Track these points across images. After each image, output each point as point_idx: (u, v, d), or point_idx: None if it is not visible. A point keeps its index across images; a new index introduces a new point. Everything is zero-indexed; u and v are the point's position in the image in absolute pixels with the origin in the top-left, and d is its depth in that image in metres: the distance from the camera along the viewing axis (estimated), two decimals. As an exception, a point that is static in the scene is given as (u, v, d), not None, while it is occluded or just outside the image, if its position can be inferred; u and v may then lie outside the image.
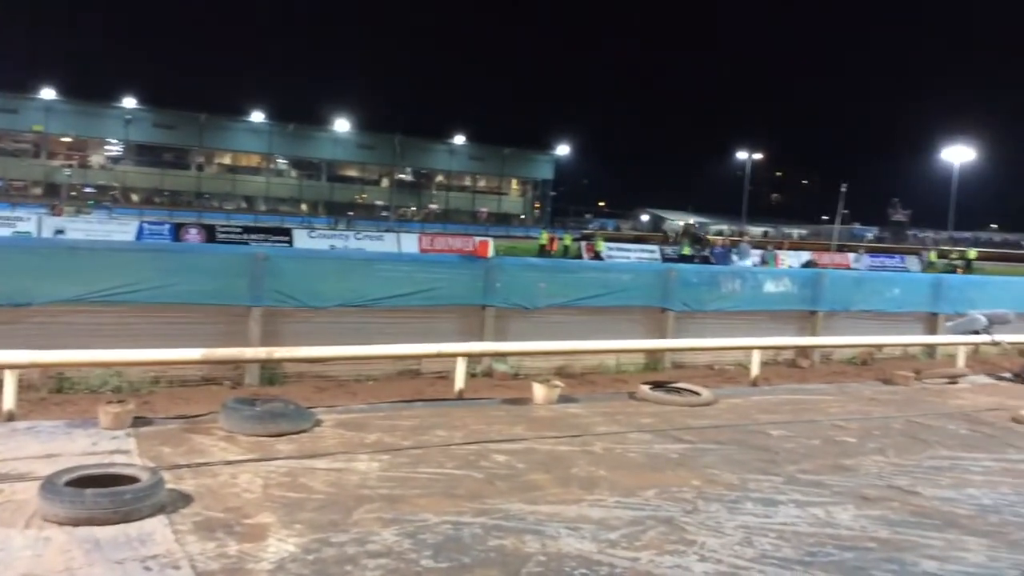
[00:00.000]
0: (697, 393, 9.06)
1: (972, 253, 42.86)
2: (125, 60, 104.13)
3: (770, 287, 13.07)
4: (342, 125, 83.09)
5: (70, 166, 75.42)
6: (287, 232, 35.43)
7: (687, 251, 36.47)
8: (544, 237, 40.26)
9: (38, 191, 73.33)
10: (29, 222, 31.12)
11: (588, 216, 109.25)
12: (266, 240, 32.91)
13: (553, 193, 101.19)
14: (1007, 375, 12.04)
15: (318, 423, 7.05)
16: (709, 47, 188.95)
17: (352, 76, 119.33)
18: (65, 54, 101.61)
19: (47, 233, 29.38)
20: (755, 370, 10.63)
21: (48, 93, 74.36)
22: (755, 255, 36.04)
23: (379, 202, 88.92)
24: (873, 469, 6.65)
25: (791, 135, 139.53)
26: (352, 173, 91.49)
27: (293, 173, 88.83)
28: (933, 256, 38.89)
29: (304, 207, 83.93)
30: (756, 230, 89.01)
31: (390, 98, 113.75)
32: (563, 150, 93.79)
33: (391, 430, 6.99)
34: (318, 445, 6.47)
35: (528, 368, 10.40)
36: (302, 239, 34.22)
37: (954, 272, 31.71)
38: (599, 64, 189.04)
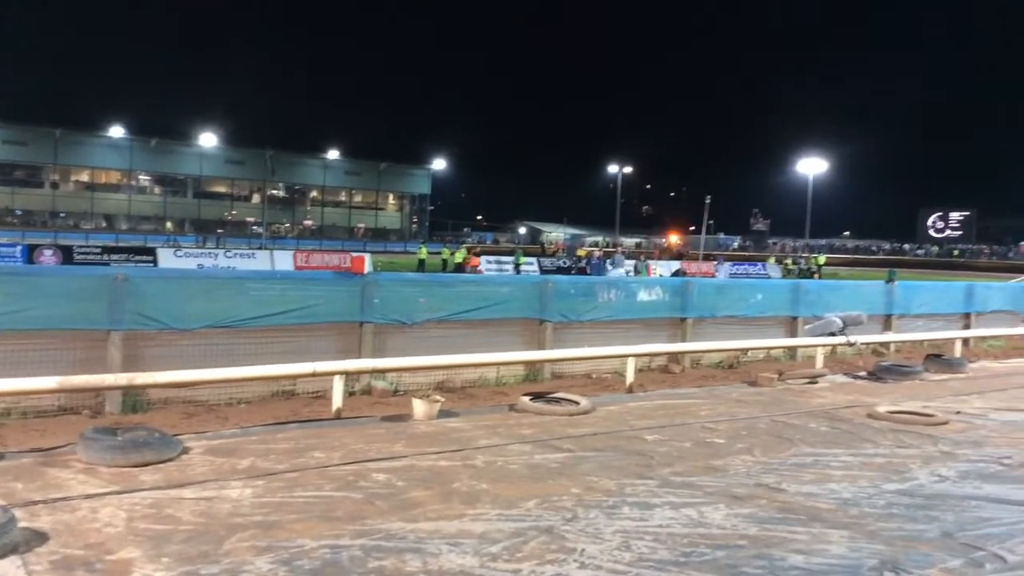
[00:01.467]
0: (576, 402, 9.21)
1: (821, 259, 45.55)
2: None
3: (643, 296, 13.45)
4: (209, 139, 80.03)
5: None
6: (151, 252, 33.87)
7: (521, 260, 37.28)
8: (423, 252, 40.10)
9: None
10: None
11: (467, 230, 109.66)
12: (128, 260, 31.34)
13: (431, 207, 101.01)
14: (862, 374, 12.83)
15: (186, 451, 6.73)
16: (582, 63, 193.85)
17: (219, 89, 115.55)
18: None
19: None
20: (630, 377, 10.91)
21: None
22: (628, 265, 37.08)
23: (251, 219, 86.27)
24: (742, 468, 6.93)
25: (660, 149, 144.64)
26: (221, 189, 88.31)
27: (157, 190, 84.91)
28: (790, 263, 41.01)
29: (169, 225, 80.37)
30: (629, 241, 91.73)
31: (260, 112, 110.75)
32: (439, 164, 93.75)
33: (265, 454, 6.76)
34: (186, 473, 6.17)
35: (408, 384, 10.29)
36: (167, 259, 32.76)
37: (812, 277, 33.56)
38: (475, 77, 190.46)
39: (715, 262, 43.03)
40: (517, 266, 37.09)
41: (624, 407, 9.51)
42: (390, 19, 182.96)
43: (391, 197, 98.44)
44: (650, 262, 39.69)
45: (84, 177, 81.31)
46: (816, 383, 11.85)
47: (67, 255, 31.26)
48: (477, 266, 36.72)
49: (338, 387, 8.61)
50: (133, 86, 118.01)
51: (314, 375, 8.80)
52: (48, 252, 31.41)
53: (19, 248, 32.09)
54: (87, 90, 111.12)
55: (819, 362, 13.13)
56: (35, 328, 8.45)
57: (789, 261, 40.13)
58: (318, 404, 9.13)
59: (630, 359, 11.04)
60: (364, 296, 10.46)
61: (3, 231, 60.57)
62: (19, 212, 75.03)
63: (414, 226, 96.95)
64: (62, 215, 76.59)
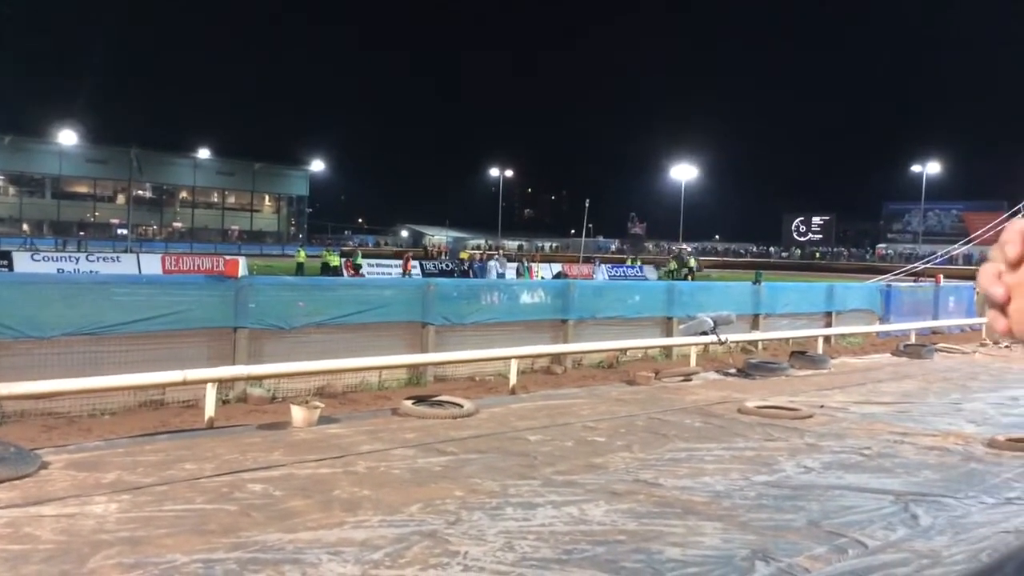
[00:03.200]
0: (459, 405, 9.19)
1: (692, 262, 47.32)
2: None
3: (525, 298, 13.59)
4: (68, 137, 75.51)
5: None
6: (6, 255, 31.66)
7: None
8: (301, 255, 39.14)
9: None
10: None
11: (347, 233, 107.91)
12: (-21, 264, 29.19)
13: (309, 210, 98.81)
14: (733, 371, 13.39)
15: (45, 466, 6.32)
16: (463, 64, 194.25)
17: (80, 84, 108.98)
18: None
19: None
20: (513, 379, 10.99)
21: None
22: (510, 267, 37.39)
23: (115, 220, 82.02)
24: (621, 465, 7.09)
25: (540, 154, 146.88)
26: (82, 189, 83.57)
27: (11, 190, 79.54)
28: (673, 264, 42.27)
29: (26, 227, 75.41)
30: (511, 243, 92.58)
31: (124, 109, 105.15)
32: (317, 166, 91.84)
33: (132, 467, 6.43)
34: (45, 490, 5.79)
35: (287, 390, 10.02)
36: (24, 262, 30.74)
37: (687, 279, 34.75)
38: (353, 77, 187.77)
39: (593, 264, 43.91)
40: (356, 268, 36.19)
41: (507, 408, 9.57)
42: (264, 14, 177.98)
43: (267, 199, 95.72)
44: (531, 264, 40.13)
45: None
46: (690, 380, 12.28)
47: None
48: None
49: (211, 395, 8.29)
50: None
51: (184, 383, 8.43)
52: None
53: None
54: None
55: (693, 360, 13.61)
56: None
57: (674, 263, 41.31)
58: (189, 414, 8.77)
59: (513, 361, 11.13)
60: (238, 301, 10.11)
61: None
62: None
63: (292, 229, 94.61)
64: (-99, 216, 70.63)
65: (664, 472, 6.90)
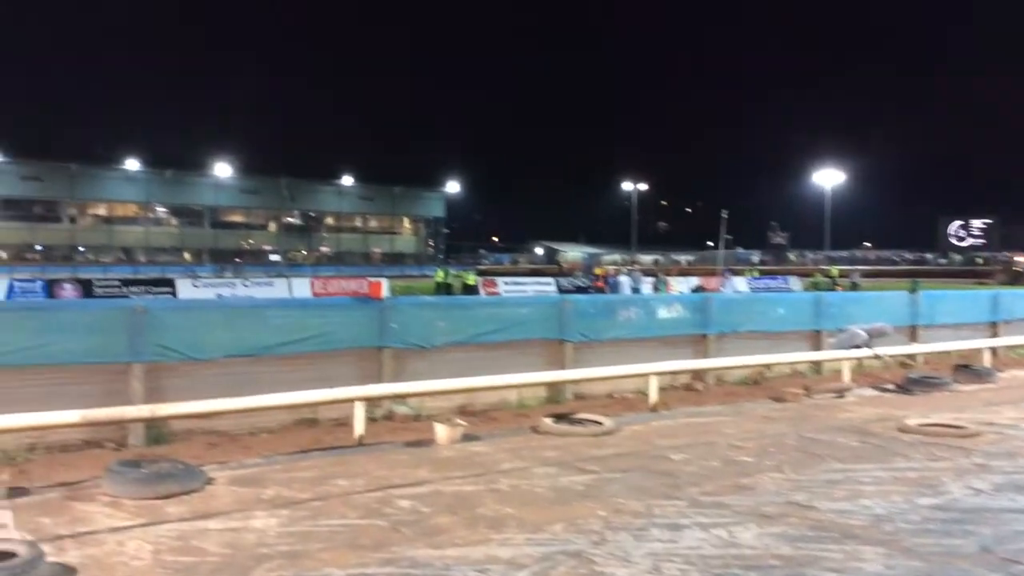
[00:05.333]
0: (599, 423, 9.12)
1: (834, 271, 45.14)
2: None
3: (663, 313, 13.35)
4: (223, 169, 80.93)
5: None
6: (170, 283, 34.09)
7: None
8: (440, 275, 40.10)
9: None
10: None
11: (483, 252, 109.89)
12: (148, 292, 31.54)
13: (446, 230, 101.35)
14: (890, 386, 12.66)
15: (210, 481, 6.71)
16: (593, 79, 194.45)
17: (232, 118, 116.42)
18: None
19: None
20: (653, 396, 10.80)
21: None
22: (647, 282, 36.92)
23: (267, 247, 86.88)
24: (771, 486, 6.81)
25: (675, 165, 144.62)
26: (237, 218, 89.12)
27: (173, 221, 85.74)
28: (820, 276, 40.58)
29: (187, 256, 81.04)
30: (646, 258, 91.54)
31: (273, 140, 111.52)
32: (453, 187, 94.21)
33: (289, 483, 6.72)
34: (211, 504, 6.14)
35: (429, 408, 10.23)
36: (186, 289, 32.98)
37: (835, 290, 33.20)
38: (484, 100, 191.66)
39: (722, 276, 42.54)
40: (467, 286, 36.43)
41: (648, 426, 9.41)
42: (393, 43, 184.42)
43: (406, 221, 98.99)
44: (668, 279, 39.46)
45: (101, 211, 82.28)
46: (844, 397, 11.69)
47: (87, 289, 31.51)
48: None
49: (360, 413, 8.58)
50: (146, 117, 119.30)
51: (336, 401, 8.78)
52: (68, 287, 31.69)
53: (39, 283, 32.40)
54: (101, 123, 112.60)
55: (845, 376, 12.96)
56: (57, 362, 8.49)
57: (821, 275, 39.43)
58: (340, 431, 9.09)
59: (652, 377, 10.94)
60: (383, 321, 10.44)
61: (24, 267, 61.34)
62: (39, 248, 75.91)
63: (430, 249, 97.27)
64: (81, 249, 77.40)
65: (818, 494, 6.58)
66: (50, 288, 31.19)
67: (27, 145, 74.53)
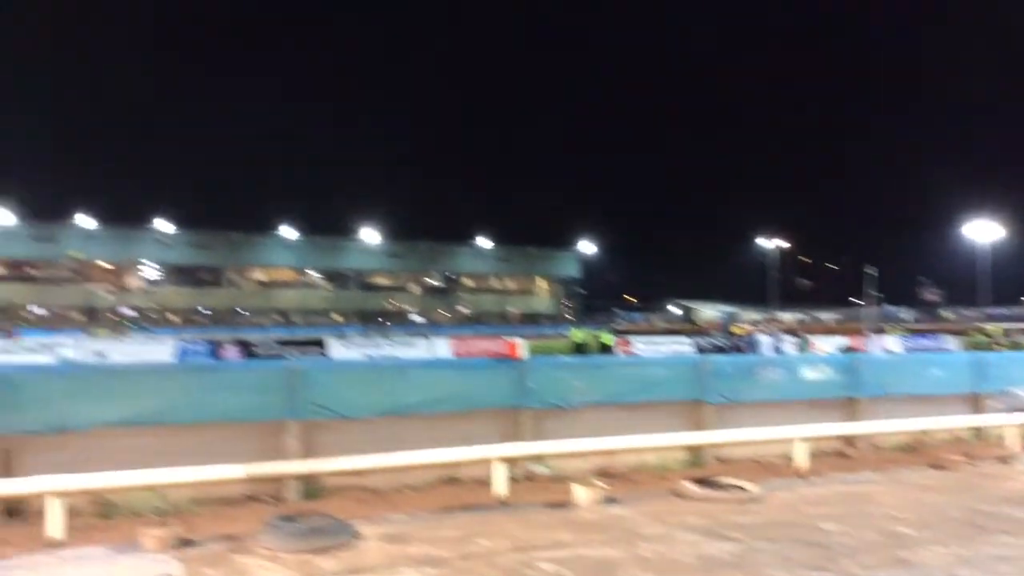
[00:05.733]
0: (744, 488, 8.86)
1: (995, 329, 42.04)
2: (159, 183, 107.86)
3: (808, 374, 12.89)
4: (370, 235, 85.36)
5: (109, 291, 77.51)
6: (321, 343, 35.77)
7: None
8: (577, 335, 40.20)
9: (79, 316, 74.98)
10: (70, 347, 31.71)
11: (617, 311, 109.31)
12: (302, 352, 33.20)
13: (581, 290, 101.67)
14: (1063, 454, 11.65)
15: (360, 537, 6.98)
16: (725, 136, 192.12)
17: (376, 185, 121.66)
18: (101, 180, 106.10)
19: (88, 357, 29.89)
20: (800, 461, 10.40)
21: (84, 220, 77.42)
22: (789, 342, 35.68)
23: (409, 308, 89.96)
24: (934, 561, 6.41)
25: (813, 221, 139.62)
26: (382, 281, 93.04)
27: (325, 284, 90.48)
28: (978, 335, 38.03)
29: (337, 317, 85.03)
30: (788, 316, 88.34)
31: (415, 205, 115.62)
32: (588, 247, 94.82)
33: (433, 541, 6.90)
34: (361, 560, 6.39)
35: (568, 469, 10.24)
36: (336, 349, 34.51)
37: (995, 350, 30.96)
38: (618, 160, 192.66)
39: (867, 335, 40.35)
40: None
41: (796, 493, 9.06)
42: (526, 106, 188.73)
43: (541, 281, 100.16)
44: (811, 338, 37.96)
45: (260, 276, 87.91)
46: (1009, 465, 10.86)
47: (247, 349, 33.50)
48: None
49: (501, 473, 8.71)
50: (300, 189, 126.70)
51: (478, 461, 8.96)
52: (231, 347, 33.80)
53: (205, 345, 34.74)
54: (259, 193, 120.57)
55: (1010, 442, 12.04)
56: (219, 419, 9.11)
57: (985, 333, 36.87)
58: (480, 490, 9.23)
59: (799, 442, 10.55)
60: (521, 381, 10.62)
61: (191, 328, 66.07)
62: (204, 310, 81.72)
63: (565, 309, 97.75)
64: (243, 311, 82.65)
65: (987, 571, 6.14)
66: (215, 349, 33.37)
67: (193, 216, 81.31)
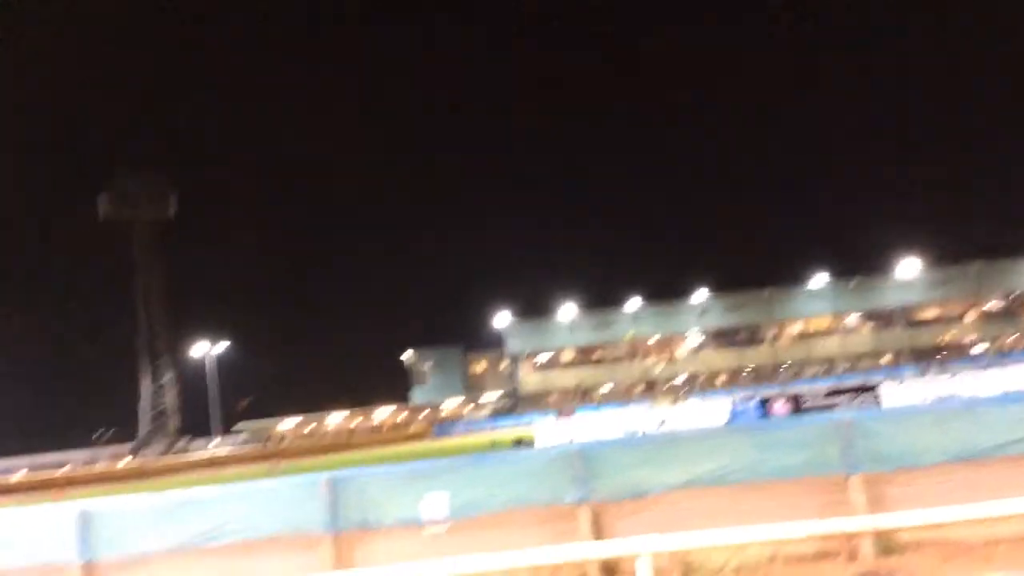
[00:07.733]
0: None
1: None
2: (691, 257, 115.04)
3: None
4: (909, 267, 79.02)
5: (660, 362, 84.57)
6: (872, 388, 33.84)
7: None
8: None
9: (639, 389, 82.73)
10: (637, 419, 34.95)
11: None
12: (852, 399, 31.80)
13: None
14: None
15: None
16: None
17: (912, 212, 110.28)
18: (642, 263, 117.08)
19: (652, 426, 32.59)
20: None
21: (633, 302, 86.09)
22: None
23: (967, 338, 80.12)
24: None
25: None
26: (928, 314, 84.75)
27: (864, 326, 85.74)
28: None
29: (884, 359, 79.73)
30: None
31: (961, 230, 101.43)
32: None
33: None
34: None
35: None
36: (891, 391, 32.32)
37: None
38: None
39: None
40: None
41: None
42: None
43: None
44: None
45: (797, 327, 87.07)
46: None
47: (795, 403, 33.24)
48: None
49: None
50: (832, 234, 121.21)
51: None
52: (778, 403, 33.87)
53: (754, 402, 35.35)
54: (786, 246, 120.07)
55: None
56: (774, 477, 9.22)
57: None
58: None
59: None
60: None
61: (738, 387, 68.14)
62: (748, 370, 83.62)
63: None
64: (785, 366, 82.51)
65: None
66: (764, 406, 33.77)
67: (726, 281, 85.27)
